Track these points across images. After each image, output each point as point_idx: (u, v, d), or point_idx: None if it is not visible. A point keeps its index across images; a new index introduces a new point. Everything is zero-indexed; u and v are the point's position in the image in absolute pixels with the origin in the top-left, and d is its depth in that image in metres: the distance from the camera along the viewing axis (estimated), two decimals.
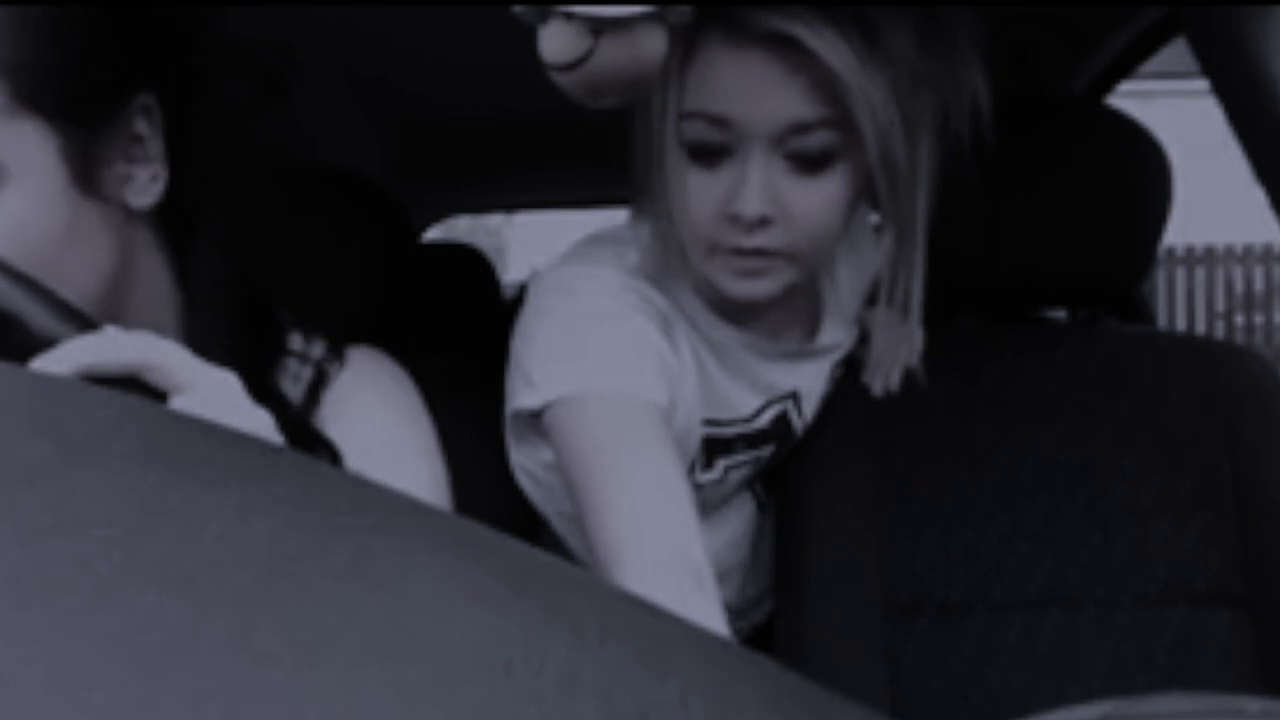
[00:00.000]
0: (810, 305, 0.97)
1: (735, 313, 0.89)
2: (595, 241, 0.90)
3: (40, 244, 0.61)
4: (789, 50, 0.71)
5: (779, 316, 0.93)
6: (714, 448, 0.94)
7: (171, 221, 0.73)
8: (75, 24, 0.63)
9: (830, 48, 0.70)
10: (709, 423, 0.92)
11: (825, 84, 0.72)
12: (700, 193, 0.77)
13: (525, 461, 0.98)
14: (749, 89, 0.73)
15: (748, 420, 0.96)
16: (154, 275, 0.72)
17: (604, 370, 0.78)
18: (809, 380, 0.99)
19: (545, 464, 0.94)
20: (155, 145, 0.69)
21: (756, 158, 0.74)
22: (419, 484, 0.75)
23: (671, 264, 0.83)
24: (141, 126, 0.68)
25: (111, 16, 0.65)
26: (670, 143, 0.76)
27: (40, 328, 0.48)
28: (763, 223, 0.75)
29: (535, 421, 0.84)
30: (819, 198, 0.76)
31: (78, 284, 0.62)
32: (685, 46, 0.73)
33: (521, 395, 0.83)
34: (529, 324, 0.85)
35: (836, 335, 1.00)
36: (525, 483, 1.01)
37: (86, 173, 0.64)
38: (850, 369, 1.07)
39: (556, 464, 0.82)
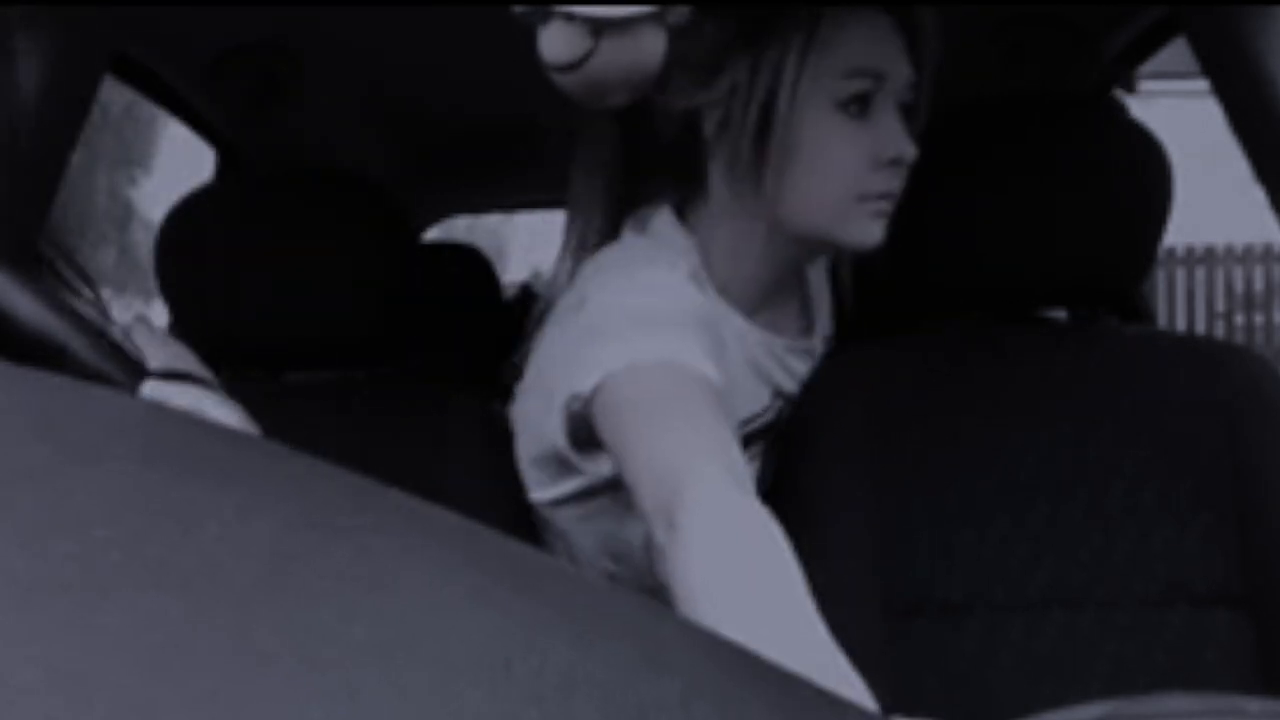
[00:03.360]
0: (803, 299, 1.03)
1: (752, 310, 0.94)
2: (637, 246, 0.92)
3: None
4: (908, 14, 0.87)
5: (783, 310, 0.99)
6: (747, 442, 0.96)
7: None
8: None
9: (927, 20, 0.88)
10: (746, 420, 0.96)
11: (919, 50, 0.88)
12: (848, 145, 0.86)
13: (544, 500, 0.98)
14: (894, 46, 0.87)
15: (759, 415, 0.99)
16: None
17: (662, 346, 0.79)
18: (802, 376, 1.03)
19: (564, 495, 0.95)
20: None
21: (893, 107, 0.87)
22: None
23: (740, 250, 0.91)
24: None
25: None
26: (818, 103, 0.85)
27: (83, 358, 0.50)
28: (895, 164, 0.88)
29: (580, 421, 0.83)
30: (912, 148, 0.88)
31: None
32: (809, 20, 0.84)
33: (573, 383, 0.81)
34: (576, 326, 0.85)
35: (827, 328, 1.06)
36: (547, 535, 1.01)
37: None
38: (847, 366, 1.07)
39: (604, 440, 0.80)
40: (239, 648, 0.21)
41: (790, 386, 1.02)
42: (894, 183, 0.88)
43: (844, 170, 0.87)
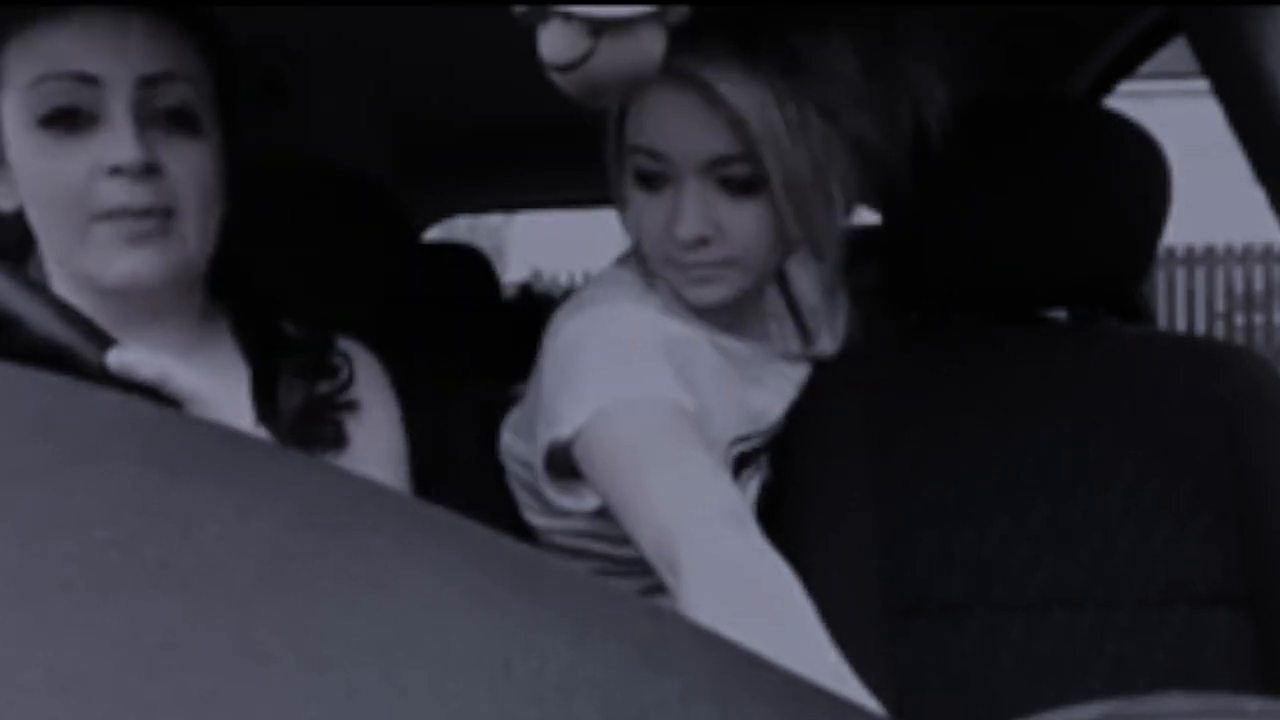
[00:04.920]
0: (774, 311, 1.02)
1: (732, 326, 0.93)
2: (608, 280, 0.93)
3: (215, 191, 0.79)
4: (708, 91, 0.78)
5: (756, 323, 0.98)
6: (742, 461, 0.97)
7: None
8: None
9: (740, 91, 0.77)
10: (739, 440, 0.95)
11: (739, 121, 0.78)
12: (648, 215, 0.85)
13: (536, 524, 1.00)
14: (678, 126, 0.81)
15: (750, 437, 0.97)
16: (198, 276, 0.84)
17: (631, 382, 0.80)
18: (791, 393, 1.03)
19: (554, 528, 0.97)
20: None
21: (690, 185, 0.82)
22: None
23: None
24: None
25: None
26: (625, 171, 0.86)
27: (47, 333, 0.49)
28: (702, 241, 0.83)
29: (564, 464, 0.83)
30: (750, 217, 0.83)
31: (211, 235, 0.80)
32: None
33: (552, 430, 0.82)
34: (551, 369, 0.85)
35: (821, 343, 1.05)
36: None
37: (225, 139, 0.83)
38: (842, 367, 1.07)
39: (594, 487, 0.80)
40: (239, 648, 0.21)
41: (778, 404, 1.01)
42: (695, 255, 0.83)
43: (646, 237, 0.86)
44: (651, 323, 0.86)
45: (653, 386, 0.79)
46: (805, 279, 1.06)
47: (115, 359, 0.53)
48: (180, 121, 0.77)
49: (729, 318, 0.93)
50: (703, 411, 0.82)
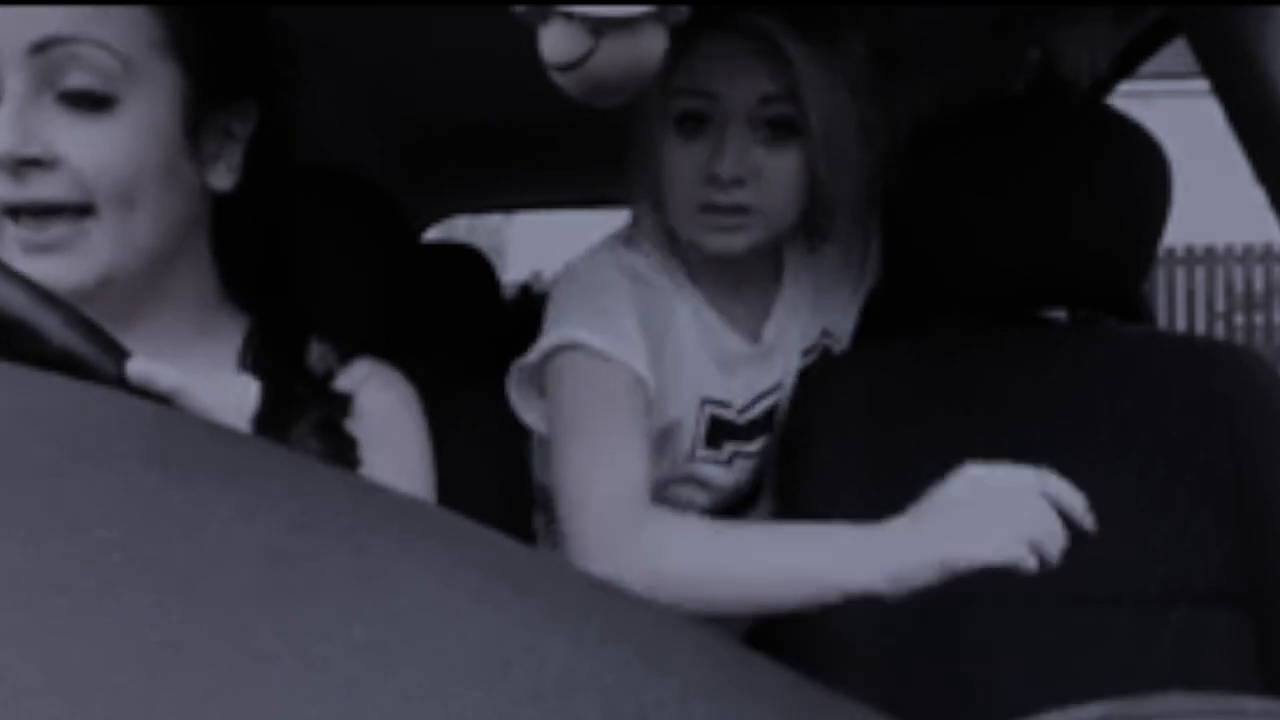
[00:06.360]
0: (768, 297, 1.06)
1: (720, 298, 1.01)
2: (609, 241, 1.02)
3: (142, 168, 0.67)
4: (761, 39, 0.88)
5: (749, 303, 1.04)
6: (720, 429, 1.04)
7: (224, 227, 0.79)
8: (233, 11, 0.73)
9: (787, 39, 0.87)
10: (712, 402, 1.02)
11: (786, 69, 0.88)
12: (685, 160, 0.92)
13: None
14: (730, 68, 0.89)
15: (742, 410, 1.04)
16: (191, 270, 0.77)
17: (599, 330, 0.90)
18: (789, 374, 1.07)
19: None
20: (239, 147, 0.76)
21: (735, 127, 0.90)
22: None
23: (661, 240, 0.98)
24: (237, 126, 0.76)
25: (259, 20, 0.77)
26: (665, 118, 0.92)
27: (63, 342, 0.49)
28: (737, 182, 0.90)
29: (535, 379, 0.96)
30: (784, 163, 0.91)
31: (144, 234, 0.69)
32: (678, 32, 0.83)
33: (529, 353, 0.94)
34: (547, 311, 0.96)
35: (802, 329, 1.08)
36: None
37: (193, 125, 0.71)
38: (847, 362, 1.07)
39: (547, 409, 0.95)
40: (239, 648, 0.21)
41: (775, 379, 1.05)
42: (730, 196, 0.90)
43: (679, 179, 0.93)
44: (639, 279, 0.96)
45: (613, 342, 0.89)
46: (827, 270, 1.09)
47: (134, 369, 0.52)
48: (86, 99, 0.65)
49: (726, 298, 1.01)
50: (657, 386, 0.93)
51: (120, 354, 0.52)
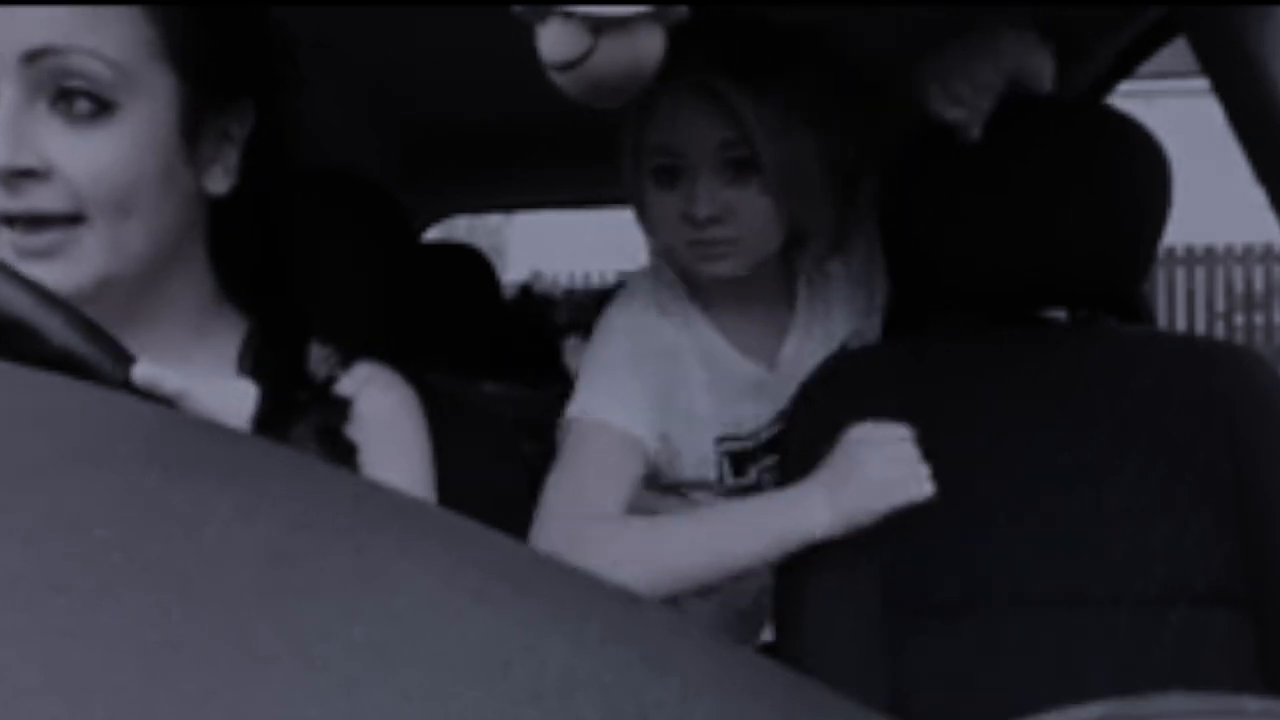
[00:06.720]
0: (781, 321, 1.14)
1: (732, 324, 1.09)
2: (640, 278, 1.12)
3: (139, 176, 0.67)
4: (710, 94, 0.96)
5: (762, 325, 1.12)
6: (742, 459, 1.12)
7: (221, 230, 0.78)
8: (230, 12, 0.73)
9: (733, 91, 0.95)
10: (727, 439, 1.11)
11: (735, 113, 0.96)
12: (665, 207, 1.02)
13: None
14: (689, 123, 0.99)
15: (755, 433, 1.12)
16: (188, 274, 0.76)
17: (602, 402, 1.00)
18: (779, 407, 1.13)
19: None
20: (236, 149, 0.75)
21: (703, 173, 0.99)
22: None
23: (678, 269, 1.07)
24: (234, 128, 0.75)
25: (257, 21, 0.76)
26: (643, 173, 1.03)
27: (67, 345, 0.49)
28: (713, 220, 0.99)
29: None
30: (751, 197, 1.00)
31: (139, 241, 0.68)
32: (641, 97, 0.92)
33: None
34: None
35: (821, 350, 1.14)
36: None
37: (191, 130, 0.70)
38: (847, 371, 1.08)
39: None
40: (239, 648, 0.21)
41: (765, 414, 1.12)
42: (708, 233, 1.00)
43: (662, 225, 1.04)
44: (650, 330, 1.05)
45: (615, 410, 0.99)
46: (839, 284, 1.16)
47: (140, 373, 0.52)
48: (81, 109, 0.65)
49: (738, 322, 1.09)
50: (663, 434, 1.03)
51: (124, 357, 0.52)
